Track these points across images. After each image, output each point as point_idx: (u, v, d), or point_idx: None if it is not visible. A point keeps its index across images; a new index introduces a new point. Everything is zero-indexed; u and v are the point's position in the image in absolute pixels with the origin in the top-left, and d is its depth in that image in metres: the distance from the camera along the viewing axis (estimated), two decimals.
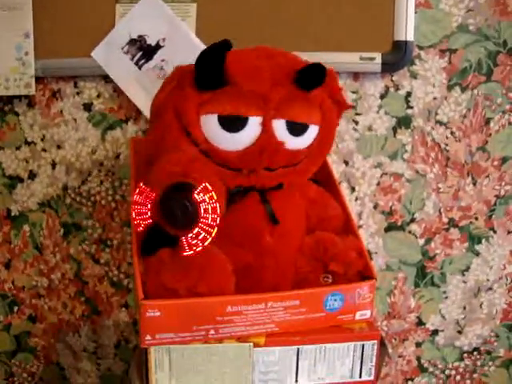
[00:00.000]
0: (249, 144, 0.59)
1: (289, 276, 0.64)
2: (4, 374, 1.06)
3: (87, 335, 1.03)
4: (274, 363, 0.61)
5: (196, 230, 0.54)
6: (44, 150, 0.96)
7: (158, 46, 0.89)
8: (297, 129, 0.61)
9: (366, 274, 0.64)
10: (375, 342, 0.62)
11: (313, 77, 0.60)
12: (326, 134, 0.66)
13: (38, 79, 0.91)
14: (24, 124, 0.95)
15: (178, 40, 0.88)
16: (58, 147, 0.96)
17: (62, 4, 0.89)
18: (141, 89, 0.90)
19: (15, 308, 1.03)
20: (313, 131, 0.63)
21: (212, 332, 0.58)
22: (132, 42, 0.89)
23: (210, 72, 0.58)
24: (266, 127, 0.59)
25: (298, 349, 0.61)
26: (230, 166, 0.60)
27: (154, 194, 0.54)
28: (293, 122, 0.60)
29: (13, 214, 0.99)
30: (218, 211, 0.54)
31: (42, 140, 0.96)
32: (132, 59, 0.89)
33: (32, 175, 0.97)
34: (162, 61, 0.89)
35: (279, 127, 0.60)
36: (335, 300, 0.62)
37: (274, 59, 0.62)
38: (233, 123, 0.59)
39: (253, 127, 0.59)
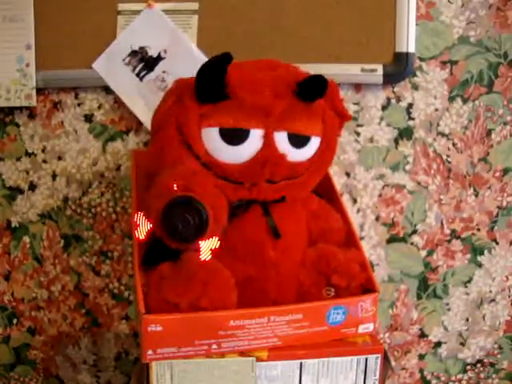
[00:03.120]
0: (250, 157, 0.59)
1: (291, 289, 0.64)
2: None
3: (87, 347, 1.02)
4: (277, 377, 0.60)
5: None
6: (44, 161, 0.96)
7: (159, 58, 0.89)
8: (298, 141, 0.61)
9: (368, 287, 0.64)
10: (379, 355, 0.62)
11: (314, 88, 0.60)
12: (328, 146, 0.65)
13: (39, 90, 0.92)
14: (25, 135, 0.95)
15: (180, 51, 0.88)
16: (59, 158, 0.96)
17: (64, 15, 0.90)
18: (142, 100, 0.90)
19: (14, 320, 1.02)
20: (314, 143, 0.63)
21: (214, 346, 0.58)
22: (133, 53, 0.89)
23: (211, 85, 0.57)
24: (268, 140, 0.59)
25: (301, 363, 0.61)
26: (232, 179, 0.60)
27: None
28: (294, 134, 0.60)
29: (13, 225, 0.98)
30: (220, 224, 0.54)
31: (43, 151, 0.96)
32: (133, 71, 0.89)
33: (32, 186, 0.97)
34: (164, 72, 0.89)
35: (281, 139, 0.60)
36: (338, 313, 0.61)
37: (275, 71, 0.62)
38: (234, 136, 0.59)
39: (254, 140, 0.59)
